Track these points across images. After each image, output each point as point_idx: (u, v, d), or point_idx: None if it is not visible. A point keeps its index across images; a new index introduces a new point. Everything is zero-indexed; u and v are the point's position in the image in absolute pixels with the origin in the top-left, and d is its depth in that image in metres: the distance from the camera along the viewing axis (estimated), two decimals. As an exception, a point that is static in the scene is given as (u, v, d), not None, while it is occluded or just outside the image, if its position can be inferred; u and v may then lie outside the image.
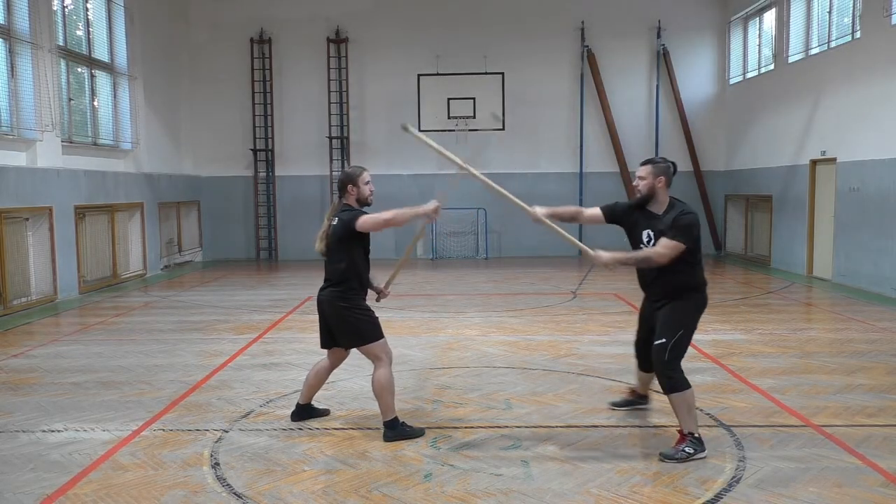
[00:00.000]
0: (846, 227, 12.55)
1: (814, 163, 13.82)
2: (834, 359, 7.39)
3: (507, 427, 5.39)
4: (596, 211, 5.15)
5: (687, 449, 4.67)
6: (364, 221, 4.98)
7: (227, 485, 4.41)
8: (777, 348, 7.90)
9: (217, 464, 4.73)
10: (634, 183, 4.99)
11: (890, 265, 11.35)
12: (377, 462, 4.74)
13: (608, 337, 8.56)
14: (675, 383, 4.69)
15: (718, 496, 4.18)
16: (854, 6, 12.57)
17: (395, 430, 5.11)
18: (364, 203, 5.20)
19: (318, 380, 5.50)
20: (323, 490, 4.33)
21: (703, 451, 4.72)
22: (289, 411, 5.70)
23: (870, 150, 11.87)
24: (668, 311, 4.80)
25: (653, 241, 4.81)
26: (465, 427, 5.39)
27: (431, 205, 4.94)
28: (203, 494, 4.29)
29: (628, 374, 6.81)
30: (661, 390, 4.97)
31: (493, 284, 13.55)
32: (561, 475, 4.50)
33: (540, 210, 5.06)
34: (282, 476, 4.54)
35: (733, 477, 4.43)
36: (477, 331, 8.99)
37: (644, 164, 4.95)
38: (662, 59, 17.77)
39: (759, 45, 16.56)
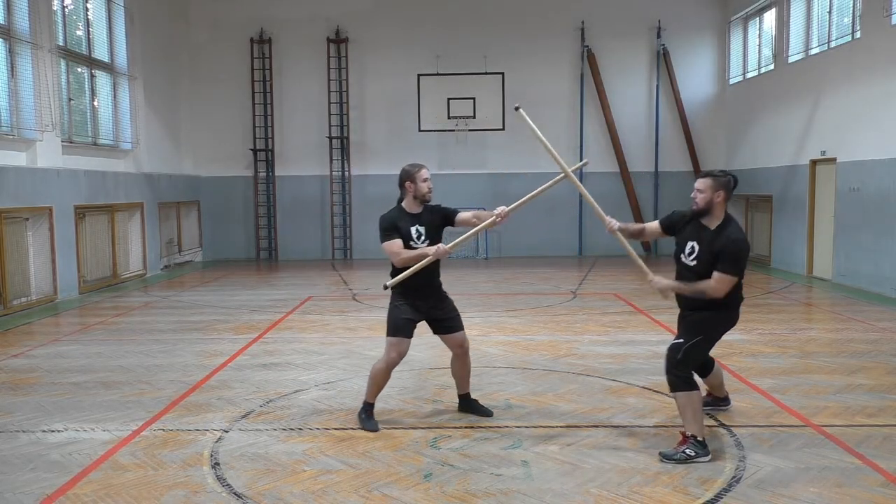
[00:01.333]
0: (846, 228, 12.54)
1: (814, 163, 13.81)
2: (834, 359, 7.39)
3: (507, 427, 5.39)
4: (655, 225, 5.17)
5: (688, 451, 4.64)
6: (386, 246, 5.24)
7: (227, 485, 4.41)
8: (777, 348, 7.90)
9: (217, 464, 4.73)
10: (692, 195, 4.79)
11: (890, 265, 11.35)
12: (377, 462, 4.74)
13: (608, 337, 8.56)
14: (681, 382, 4.70)
15: (718, 496, 4.17)
16: (854, 6, 12.56)
17: (359, 414, 5.46)
18: (423, 200, 5.35)
19: (457, 370, 5.67)
20: (323, 490, 4.33)
21: (706, 455, 4.65)
22: (289, 411, 5.72)
23: (870, 150, 11.87)
24: (696, 317, 4.79)
25: (695, 254, 4.75)
26: (465, 427, 5.39)
27: (433, 248, 5.16)
28: (203, 494, 4.29)
29: (628, 374, 6.82)
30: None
31: (493, 284, 13.55)
32: (561, 475, 4.50)
33: (615, 223, 5.14)
34: (282, 476, 4.54)
35: (733, 477, 4.43)
36: (477, 331, 8.97)
37: (703, 176, 4.78)
38: (662, 59, 17.77)
39: (759, 45, 16.55)
